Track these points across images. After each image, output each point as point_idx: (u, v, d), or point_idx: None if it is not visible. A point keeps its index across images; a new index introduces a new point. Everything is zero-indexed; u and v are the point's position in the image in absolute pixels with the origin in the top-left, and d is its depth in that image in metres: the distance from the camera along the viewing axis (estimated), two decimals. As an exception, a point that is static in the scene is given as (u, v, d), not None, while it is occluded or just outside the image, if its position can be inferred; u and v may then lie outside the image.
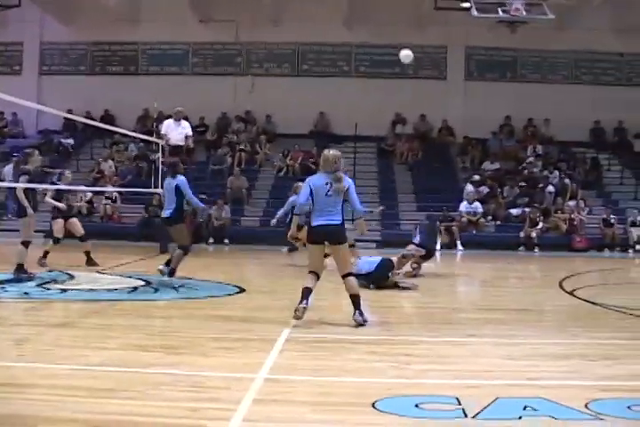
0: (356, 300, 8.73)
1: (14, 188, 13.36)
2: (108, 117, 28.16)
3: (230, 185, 25.12)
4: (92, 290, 11.26)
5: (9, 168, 22.94)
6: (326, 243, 8.85)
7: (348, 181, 8.86)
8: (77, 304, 9.90)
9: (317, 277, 8.81)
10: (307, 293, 8.60)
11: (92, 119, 24.55)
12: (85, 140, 28.83)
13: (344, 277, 8.76)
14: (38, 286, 11.31)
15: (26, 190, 12.45)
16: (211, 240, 23.09)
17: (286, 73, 29.42)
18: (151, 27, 28.81)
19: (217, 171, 26.37)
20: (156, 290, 11.48)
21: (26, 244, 12.35)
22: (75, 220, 15.54)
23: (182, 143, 17.86)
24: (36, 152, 13.41)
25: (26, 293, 10.55)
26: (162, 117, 19.58)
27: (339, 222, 8.72)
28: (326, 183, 8.74)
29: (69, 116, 19.83)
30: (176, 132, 17.85)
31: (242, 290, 11.74)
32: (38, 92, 28.86)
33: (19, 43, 30.17)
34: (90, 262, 14.88)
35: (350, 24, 28.23)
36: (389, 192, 26.06)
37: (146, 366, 6.44)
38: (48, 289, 11.05)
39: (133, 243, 21.38)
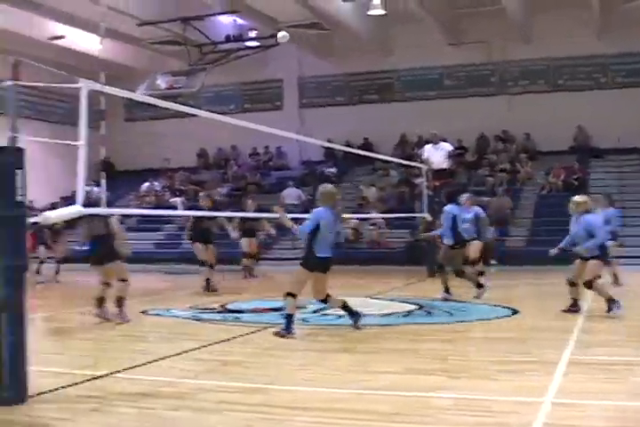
0: None
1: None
2: (367, 145, 28.80)
3: (493, 206, 24.88)
4: (366, 315, 11.47)
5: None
6: None
7: None
8: (354, 329, 10.13)
9: None
10: None
11: (352, 148, 25.19)
12: (347, 169, 29.60)
13: None
14: (315, 312, 11.68)
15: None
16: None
17: (542, 89, 28.91)
18: (403, 54, 29.29)
19: (479, 192, 26.22)
20: (430, 313, 11.56)
21: None
22: (211, 246, 16.22)
23: (445, 166, 18.00)
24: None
25: (304, 319, 10.91)
26: (422, 142, 19.82)
27: None
28: None
29: (330, 145, 20.44)
30: (437, 155, 18.02)
31: (515, 311, 11.60)
32: (299, 124, 29.98)
33: (279, 80, 31.62)
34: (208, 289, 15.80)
35: (603, 35, 27.36)
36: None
37: (428, 389, 6.47)
38: (325, 315, 11.38)
39: (400, 267, 21.61)
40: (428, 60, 29.22)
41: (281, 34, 12.25)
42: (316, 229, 9.53)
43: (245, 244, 19.87)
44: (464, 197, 14.84)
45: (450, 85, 29.91)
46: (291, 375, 7.27)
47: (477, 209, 15.59)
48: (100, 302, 10.99)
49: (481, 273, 15.14)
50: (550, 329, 9.86)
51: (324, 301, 9.90)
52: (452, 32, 28.74)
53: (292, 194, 26.33)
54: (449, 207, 13.73)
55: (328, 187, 9.98)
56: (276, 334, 9.34)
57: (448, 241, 13.51)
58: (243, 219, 19.34)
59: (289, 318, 9.40)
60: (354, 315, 9.97)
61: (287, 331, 9.30)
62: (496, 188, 25.81)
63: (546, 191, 25.90)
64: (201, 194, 17.61)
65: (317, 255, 9.54)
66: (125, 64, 29.73)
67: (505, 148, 28.47)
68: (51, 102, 32.99)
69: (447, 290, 13.25)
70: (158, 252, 25.75)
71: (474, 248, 15.23)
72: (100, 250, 10.97)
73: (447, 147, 18.83)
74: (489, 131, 28.76)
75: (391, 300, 13.24)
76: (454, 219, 13.60)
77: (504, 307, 12.08)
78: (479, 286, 13.25)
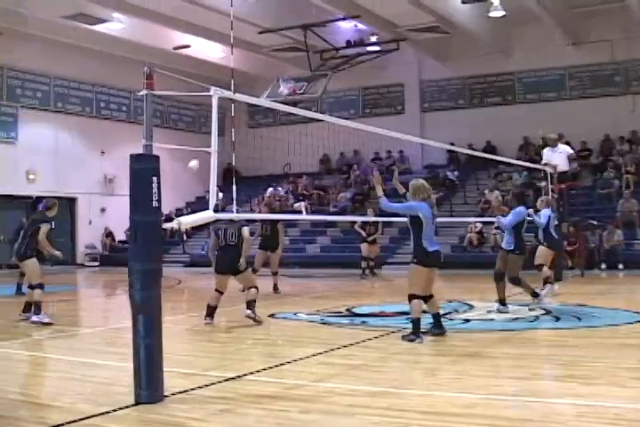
0: None
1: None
2: (489, 148, 28.59)
3: (621, 208, 24.35)
4: (493, 320, 11.38)
5: None
6: None
7: None
8: (482, 334, 10.05)
9: None
10: None
11: (475, 150, 25.02)
12: (470, 172, 29.40)
13: None
14: (442, 316, 11.62)
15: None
16: (603, 266, 22.50)
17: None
18: (523, 55, 29.03)
19: (605, 195, 25.72)
20: (558, 319, 11.37)
21: None
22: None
23: (567, 168, 17.71)
24: None
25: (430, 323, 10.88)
26: (545, 145, 19.54)
27: None
28: None
29: (453, 148, 20.37)
30: (557, 158, 17.77)
31: (646, 317, 11.32)
32: (421, 128, 29.99)
33: (399, 84, 31.66)
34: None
35: None
36: None
37: (558, 396, 6.40)
38: (452, 320, 11.33)
39: (525, 271, 21.29)
40: (549, 60, 28.94)
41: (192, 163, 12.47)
42: (419, 223, 9.41)
43: (365, 248, 21.15)
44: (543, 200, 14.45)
45: (573, 86, 29.41)
46: (419, 380, 7.29)
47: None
48: (213, 310, 11.24)
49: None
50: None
51: (426, 299, 9.66)
52: (572, 32, 28.27)
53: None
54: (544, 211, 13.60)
55: (420, 180, 9.87)
56: (404, 337, 9.32)
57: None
58: (365, 223, 19.73)
59: (415, 322, 9.36)
60: (440, 328, 9.78)
61: (415, 335, 9.26)
62: (623, 190, 25.23)
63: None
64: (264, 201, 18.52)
65: (428, 250, 9.45)
66: (246, 71, 30.22)
67: (631, 149, 27.79)
68: (175, 110, 33.86)
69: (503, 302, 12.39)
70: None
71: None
72: (228, 258, 11.16)
73: (567, 149, 18.52)
74: (614, 132, 28.12)
75: (518, 304, 13.06)
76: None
77: (635, 312, 11.80)
78: (534, 294, 12.59)
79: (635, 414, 5.77)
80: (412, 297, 9.39)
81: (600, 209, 24.55)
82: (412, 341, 9.19)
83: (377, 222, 20.87)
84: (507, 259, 12.19)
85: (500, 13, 25.61)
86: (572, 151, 18.36)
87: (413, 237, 9.54)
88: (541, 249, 14.13)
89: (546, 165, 17.90)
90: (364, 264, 21.18)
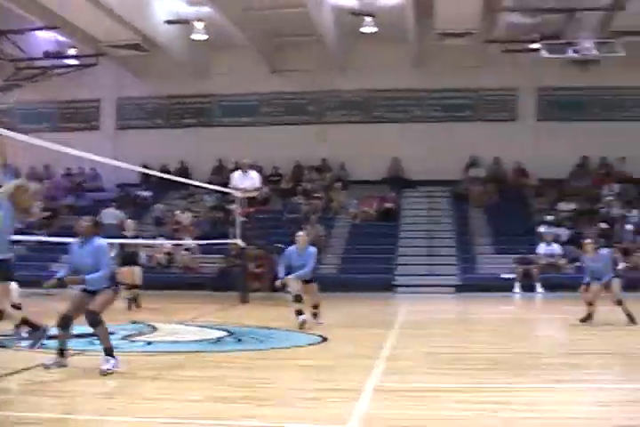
0: None
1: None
2: (183, 169, 28.72)
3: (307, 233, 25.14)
4: (176, 342, 11.38)
5: None
6: None
7: None
8: (163, 356, 10.01)
9: None
10: None
11: (168, 171, 25.10)
12: (162, 192, 29.29)
13: None
14: (123, 338, 11.48)
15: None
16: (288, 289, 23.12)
17: (358, 120, 29.63)
18: (223, 79, 29.44)
19: (293, 219, 26.54)
20: (240, 340, 11.57)
21: None
22: (138, 268, 16.14)
23: (255, 194, 18.15)
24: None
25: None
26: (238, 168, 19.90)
27: None
28: None
29: (144, 170, 20.31)
30: (246, 183, 18.17)
31: (324, 339, 11.76)
32: (115, 146, 29.54)
33: (96, 99, 31.05)
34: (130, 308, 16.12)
35: (419, 69, 28.46)
36: (465, 235, 25.90)
37: (234, 418, 6.46)
38: (133, 342, 11.21)
39: (213, 293, 21.59)
40: (248, 86, 29.46)
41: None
42: None
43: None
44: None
45: (268, 112, 30.20)
46: (98, 404, 7.08)
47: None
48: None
49: None
50: (357, 356, 10.08)
51: None
52: (272, 60, 29.14)
53: (109, 214, 25.82)
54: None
55: None
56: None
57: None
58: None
59: None
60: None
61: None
62: (310, 215, 26.17)
63: (359, 220, 26.49)
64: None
65: None
66: None
67: (320, 176, 28.94)
68: None
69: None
70: None
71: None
72: None
73: (255, 178, 18.99)
74: (305, 159, 29.18)
75: (201, 326, 13.16)
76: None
77: (313, 334, 12.23)
78: None
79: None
80: None
81: (288, 234, 25.21)
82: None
83: None
84: None
85: (203, 37, 25.93)
86: (259, 185, 18.81)
87: None
88: None
89: (234, 187, 18.28)
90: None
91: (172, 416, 6.46)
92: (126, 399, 7.22)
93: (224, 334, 12.23)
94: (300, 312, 13.12)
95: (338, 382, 8.16)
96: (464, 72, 27.71)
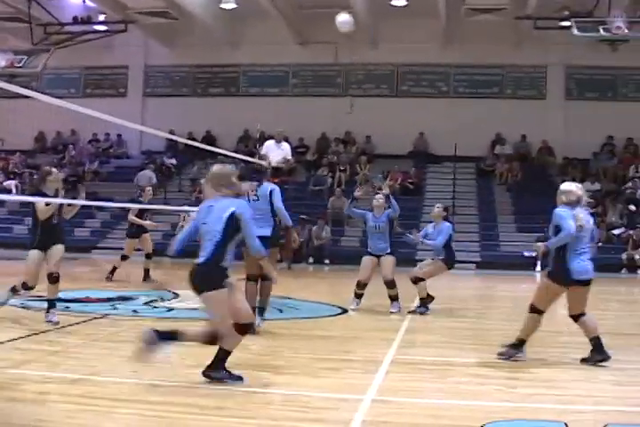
0: None
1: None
2: (209, 138, 28.75)
3: (331, 205, 25.25)
4: (197, 309, 11.45)
5: None
6: None
7: None
8: (184, 322, 10.09)
9: None
10: None
11: (194, 139, 25.07)
12: (188, 161, 29.37)
13: None
14: (146, 304, 11.59)
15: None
16: (310, 260, 23.30)
17: (385, 94, 29.55)
18: (251, 49, 29.34)
19: (317, 191, 26.60)
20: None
21: None
22: (147, 235, 15.90)
23: (282, 165, 18.11)
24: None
25: (135, 310, 10.83)
26: (263, 138, 19.85)
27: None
28: None
29: (171, 136, 20.26)
30: (276, 153, 18.12)
31: (344, 311, 11.83)
32: (142, 113, 29.63)
33: (124, 66, 31.09)
34: (146, 279, 15.26)
35: (448, 44, 28.26)
36: (489, 213, 25.88)
37: (255, 385, 6.54)
38: (155, 307, 11.32)
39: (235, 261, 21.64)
40: (275, 57, 29.41)
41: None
42: None
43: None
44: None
45: (295, 84, 30.20)
46: (117, 367, 7.18)
47: None
48: None
49: None
50: (377, 329, 10.16)
51: None
52: (299, 31, 29.03)
53: (145, 176, 25.96)
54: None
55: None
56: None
57: None
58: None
59: None
60: None
61: None
62: (334, 188, 26.19)
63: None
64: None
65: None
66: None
67: (345, 149, 28.91)
68: None
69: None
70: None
71: None
72: None
73: (287, 151, 18.92)
74: (331, 131, 29.19)
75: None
76: None
77: (334, 306, 12.29)
78: None
79: (322, 403, 6.08)
80: None
81: (311, 205, 25.34)
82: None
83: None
84: None
85: (232, 6, 25.85)
86: (290, 156, 18.77)
87: None
88: None
89: (264, 156, 18.23)
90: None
91: (192, 381, 6.58)
92: (146, 364, 7.27)
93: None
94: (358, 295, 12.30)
95: (358, 353, 8.25)
96: (493, 49, 27.51)
